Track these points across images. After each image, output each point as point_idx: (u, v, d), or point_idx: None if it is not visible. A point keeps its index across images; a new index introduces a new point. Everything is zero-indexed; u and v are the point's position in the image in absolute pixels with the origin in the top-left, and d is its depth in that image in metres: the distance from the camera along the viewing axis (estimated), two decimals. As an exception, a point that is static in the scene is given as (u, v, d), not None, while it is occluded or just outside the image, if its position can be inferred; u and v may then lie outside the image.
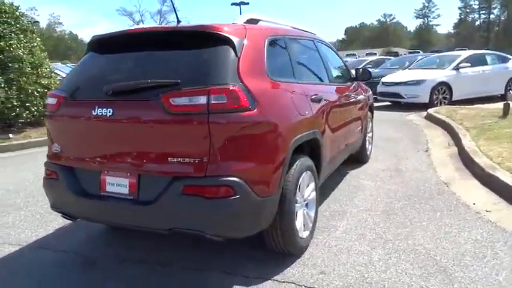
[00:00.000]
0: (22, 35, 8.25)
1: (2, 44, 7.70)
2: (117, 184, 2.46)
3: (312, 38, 3.77)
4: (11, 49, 7.80)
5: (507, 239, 3.03)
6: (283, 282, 2.57)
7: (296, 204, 2.78)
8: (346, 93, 4.13)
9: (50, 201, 2.79)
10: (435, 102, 10.44)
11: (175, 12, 2.83)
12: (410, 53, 33.70)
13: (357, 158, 5.20)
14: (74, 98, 2.57)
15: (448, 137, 6.80)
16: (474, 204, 3.78)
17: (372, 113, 5.65)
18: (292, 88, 2.81)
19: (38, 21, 55.03)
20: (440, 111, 8.74)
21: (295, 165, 2.73)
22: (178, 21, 2.87)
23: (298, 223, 2.82)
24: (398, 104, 11.28)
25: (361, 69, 4.71)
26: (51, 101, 2.67)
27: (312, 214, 3.11)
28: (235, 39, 2.46)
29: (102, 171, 2.50)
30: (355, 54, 39.63)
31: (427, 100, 10.39)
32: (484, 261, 2.73)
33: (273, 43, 2.83)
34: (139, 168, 2.38)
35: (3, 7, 7.76)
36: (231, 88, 2.23)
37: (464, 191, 4.14)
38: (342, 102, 3.88)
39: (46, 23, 71.18)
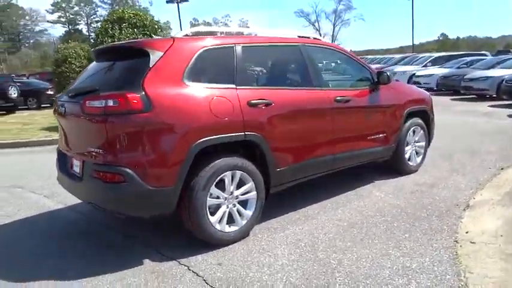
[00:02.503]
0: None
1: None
2: (76, 165, 3.24)
3: (297, 43, 3.79)
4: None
5: (441, 274, 2.61)
6: (182, 264, 2.93)
7: (213, 199, 3.07)
8: (348, 99, 3.97)
9: None
10: None
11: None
12: None
13: (393, 169, 4.82)
14: (59, 98, 3.48)
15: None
16: (467, 233, 3.23)
17: (427, 121, 5.06)
18: (218, 93, 3.07)
19: (228, 26, 62.49)
20: None
21: (213, 163, 3.02)
22: (152, 35, 3.47)
23: (216, 217, 3.09)
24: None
25: (382, 73, 4.37)
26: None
27: (249, 213, 3.29)
28: (152, 52, 2.93)
29: (71, 155, 3.33)
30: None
31: None
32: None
33: (207, 53, 3.13)
34: (82, 153, 3.10)
35: (145, 22, 9.70)
36: (125, 94, 2.73)
37: (478, 218, 3.51)
38: (330, 107, 3.79)
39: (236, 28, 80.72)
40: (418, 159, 5.03)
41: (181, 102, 2.91)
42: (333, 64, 4.65)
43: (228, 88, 3.16)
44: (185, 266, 2.90)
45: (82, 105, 2.88)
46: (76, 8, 75.17)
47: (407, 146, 4.82)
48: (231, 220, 3.23)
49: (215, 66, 3.22)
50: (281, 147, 3.43)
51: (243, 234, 3.27)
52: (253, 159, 3.34)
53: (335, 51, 4.28)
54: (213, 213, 3.11)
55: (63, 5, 74.76)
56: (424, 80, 16.67)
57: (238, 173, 3.18)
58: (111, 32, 9.40)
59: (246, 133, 3.16)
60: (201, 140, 2.92)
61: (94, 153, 2.88)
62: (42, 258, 3.16)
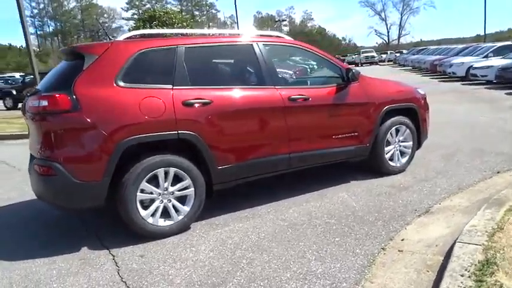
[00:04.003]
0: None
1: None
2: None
3: (250, 42, 3.79)
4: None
5: (339, 281, 2.54)
6: (110, 254, 3.14)
7: (145, 194, 3.23)
8: (307, 97, 3.88)
9: None
10: None
11: (105, 32, 3.66)
12: None
13: (374, 170, 4.63)
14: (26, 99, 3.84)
15: None
16: (402, 240, 3.07)
17: (415, 120, 4.76)
18: (150, 94, 3.20)
19: (285, 20, 62.09)
20: None
21: (144, 160, 3.19)
22: (110, 38, 3.71)
23: (148, 211, 3.25)
24: None
25: (350, 70, 4.17)
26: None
27: (187, 208, 3.41)
28: (87, 55, 3.16)
29: (33, 153, 3.65)
30: None
31: None
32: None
33: (144, 55, 3.27)
34: (34, 150, 3.40)
35: (174, 20, 10.11)
36: (54, 95, 2.98)
37: (427, 225, 3.31)
38: (282, 106, 3.74)
39: (300, 20, 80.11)
40: (404, 160, 4.76)
41: (109, 102, 3.09)
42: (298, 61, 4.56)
43: (163, 88, 3.28)
44: (112, 255, 3.11)
45: (28, 105, 3.20)
46: (148, 5, 79.41)
47: (388, 145, 4.60)
48: (168, 215, 3.38)
49: (152, 67, 3.35)
50: (222, 146, 3.49)
51: (180, 229, 3.40)
52: (196, 158, 3.44)
53: (300, 49, 4.19)
54: (147, 208, 3.28)
55: (137, 3, 79.52)
56: (482, 72, 15.36)
57: (172, 170, 3.30)
58: (142, 31, 9.91)
59: (180, 132, 3.27)
60: (128, 138, 3.09)
61: (37, 149, 3.18)
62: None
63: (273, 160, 3.80)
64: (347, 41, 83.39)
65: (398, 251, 2.91)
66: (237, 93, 3.60)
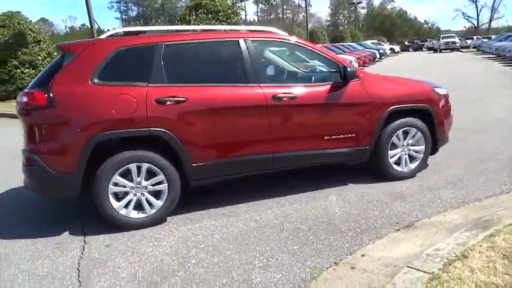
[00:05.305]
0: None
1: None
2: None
3: (236, 38, 3.71)
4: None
5: None
6: (84, 241, 3.34)
7: (118, 187, 3.38)
8: (295, 96, 3.74)
9: None
10: None
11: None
12: None
13: (377, 173, 4.35)
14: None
15: None
16: (362, 256, 2.88)
17: (430, 122, 4.34)
18: (123, 91, 3.30)
19: (360, 2, 59.36)
20: None
21: (116, 155, 3.33)
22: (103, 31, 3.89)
23: (121, 203, 3.41)
24: None
25: (347, 68, 3.88)
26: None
27: (160, 203, 3.51)
28: (67, 54, 3.34)
29: None
30: None
31: None
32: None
33: (122, 53, 3.37)
34: None
35: (219, 7, 10.20)
36: (33, 92, 3.22)
37: (400, 242, 3.06)
38: (265, 104, 3.63)
39: (379, 2, 75.96)
40: (413, 165, 4.39)
41: (82, 99, 3.26)
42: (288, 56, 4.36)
43: (137, 86, 3.37)
44: (84, 242, 3.32)
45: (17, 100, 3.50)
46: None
47: (394, 149, 4.27)
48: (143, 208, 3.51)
49: (130, 65, 3.44)
50: (197, 143, 3.51)
51: (153, 222, 3.50)
52: (172, 154, 3.51)
53: (294, 45, 4.01)
54: (122, 200, 3.43)
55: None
56: None
57: (145, 165, 3.40)
58: (188, 19, 10.18)
59: (151, 129, 3.35)
60: (99, 134, 3.24)
61: (24, 142, 3.47)
62: None
63: (254, 159, 3.73)
64: (430, 25, 77.37)
65: (351, 267, 2.73)
66: (214, 91, 3.57)
